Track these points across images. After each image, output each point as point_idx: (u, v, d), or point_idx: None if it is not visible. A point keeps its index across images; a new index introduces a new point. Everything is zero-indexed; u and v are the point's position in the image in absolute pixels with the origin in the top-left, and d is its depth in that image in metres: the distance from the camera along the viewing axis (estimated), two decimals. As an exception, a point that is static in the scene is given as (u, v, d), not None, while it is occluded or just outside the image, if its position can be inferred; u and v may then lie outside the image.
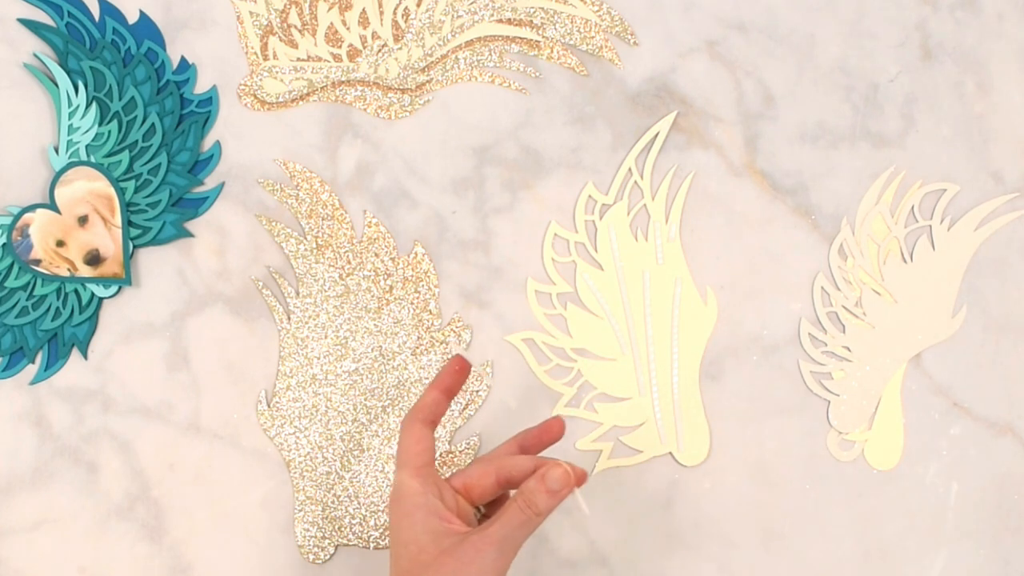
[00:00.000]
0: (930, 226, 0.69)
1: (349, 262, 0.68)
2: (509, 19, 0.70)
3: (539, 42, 0.70)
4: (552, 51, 0.69)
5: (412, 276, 0.68)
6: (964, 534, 0.67)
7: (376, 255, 0.68)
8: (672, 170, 0.69)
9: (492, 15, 0.70)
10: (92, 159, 0.67)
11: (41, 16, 0.68)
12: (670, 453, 0.67)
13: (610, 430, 0.67)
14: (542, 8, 0.70)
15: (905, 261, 0.69)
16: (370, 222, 0.68)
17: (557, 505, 0.52)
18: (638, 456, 0.67)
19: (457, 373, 0.57)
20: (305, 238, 0.68)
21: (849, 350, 0.69)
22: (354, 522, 0.66)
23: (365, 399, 0.67)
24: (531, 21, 0.70)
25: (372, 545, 0.66)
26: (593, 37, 0.70)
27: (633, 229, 0.69)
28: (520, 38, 0.70)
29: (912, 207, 0.69)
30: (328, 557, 0.66)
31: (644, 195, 0.69)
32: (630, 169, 0.69)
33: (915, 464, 0.68)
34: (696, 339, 0.68)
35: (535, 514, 0.52)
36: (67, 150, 0.67)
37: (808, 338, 0.68)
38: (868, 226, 0.69)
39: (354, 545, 0.66)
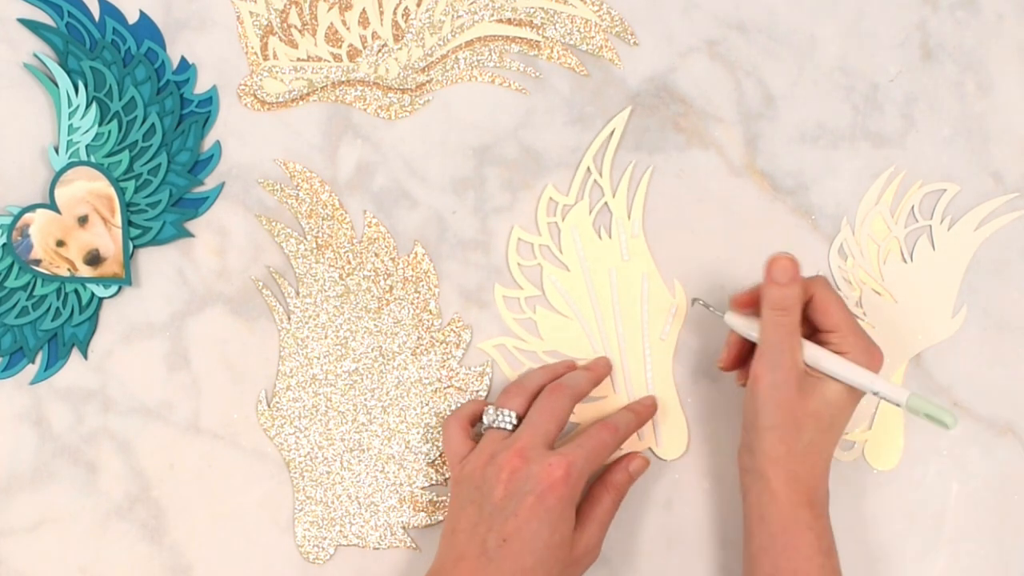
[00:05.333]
0: (930, 226, 0.69)
1: (349, 262, 0.68)
2: (509, 19, 0.70)
3: (539, 42, 0.70)
4: (552, 51, 0.69)
5: (412, 276, 0.68)
6: (964, 534, 0.67)
7: (376, 255, 0.68)
8: (631, 165, 0.69)
9: (492, 15, 0.70)
10: (92, 159, 0.67)
11: (41, 16, 0.68)
12: (650, 448, 0.67)
13: (594, 429, 0.67)
14: (542, 8, 0.70)
15: (905, 261, 0.69)
16: (370, 222, 0.68)
17: None
18: (617, 453, 0.67)
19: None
20: (305, 238, 0.68)
21: (849, 350, 0.68)
22: (354, 522, 0.66)
23: (365, 399, 0.67)
24: (531, 21, 0.70)
25: (372, 545, 0.66)
26: (593, 37, 0.70)
27: (596, 228, 0.69)
28: (520, 38, 0.70)
29: (912, 207, 0.69)
30: (328, 557, 0.66)
31: (604, 193, 0.69)
32: (588, 168, 0.69)
33: (915, 464, 0.68)
34: (667, 333, 0.68)
35: (622, 496, 0.65)
36: (67, 150, 0.67)
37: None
38: (868, 226, 0.69)
39: (354, 545, 0.66)
